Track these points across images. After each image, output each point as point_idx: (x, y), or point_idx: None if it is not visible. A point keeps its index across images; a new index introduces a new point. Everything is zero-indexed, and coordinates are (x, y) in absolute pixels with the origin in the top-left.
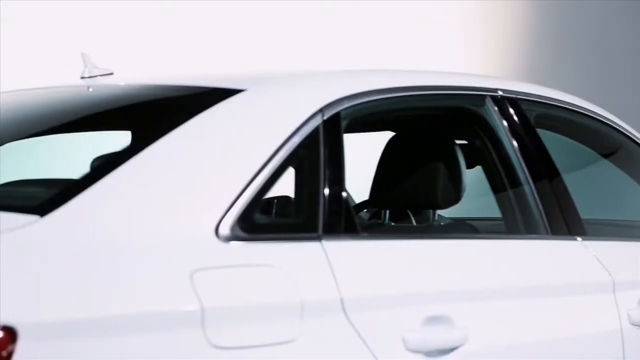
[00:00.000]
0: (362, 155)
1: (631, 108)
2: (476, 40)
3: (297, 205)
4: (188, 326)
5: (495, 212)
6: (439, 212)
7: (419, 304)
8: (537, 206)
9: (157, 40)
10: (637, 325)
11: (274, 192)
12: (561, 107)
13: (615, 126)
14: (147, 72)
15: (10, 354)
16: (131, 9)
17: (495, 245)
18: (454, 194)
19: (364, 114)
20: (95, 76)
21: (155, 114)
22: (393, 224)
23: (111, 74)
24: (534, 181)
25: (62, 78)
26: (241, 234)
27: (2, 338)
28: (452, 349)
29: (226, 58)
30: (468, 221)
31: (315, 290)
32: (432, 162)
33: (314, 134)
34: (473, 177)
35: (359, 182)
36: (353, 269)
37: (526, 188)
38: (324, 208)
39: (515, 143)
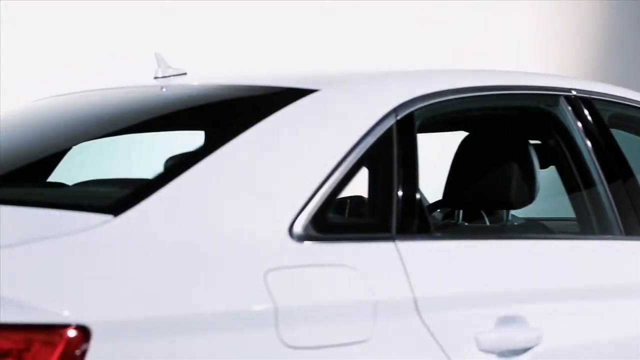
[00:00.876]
0: (436, 155)
1: None
2: (549, 40)
3: (370, 205)
4: (261, 326)
5: (569, 213)
6: (512, 212)
7: (492, 304)
8: (611, 206)
9: (231, 41)
10: None
11: (348, 192)
12: (635, 106)
13: None
14: (220, 72)
15: (84, 353)
16: (205, 10)
17: (569, 245)
18: (528, 194)
19: (438, 113)
20: (169, 76)
21: (229, 114)
22: (466, 224)
23: (184, 74)
24: (608, 181)
25: (136, 78)
26: (315, 233)
27: (75, 337)
28: (525, 350)
29: (300, 58)
30: (541, 221)
31: (389, 290)
32: (506, 162)
33: (387, 134)
34: (546, 177)
35: (432, 182)
36: (426, 269)
37: (600, 188)
38: (397, 208)
39: (589, 143)
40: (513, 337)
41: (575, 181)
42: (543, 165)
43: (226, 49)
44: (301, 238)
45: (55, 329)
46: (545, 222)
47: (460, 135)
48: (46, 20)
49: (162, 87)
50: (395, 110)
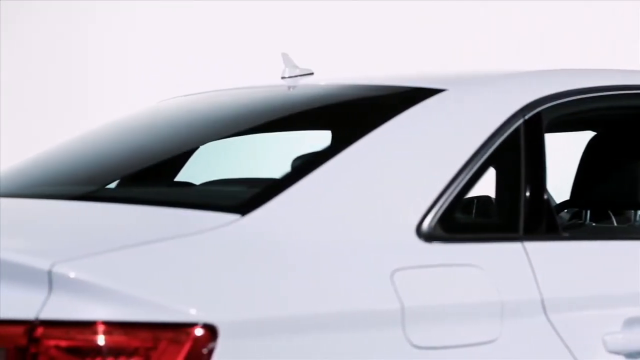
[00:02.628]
0: (563, 154)
1: None
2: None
3: (498, 206)
4: (388, 325)
5: None
6: None
7: (619, 305)
8: None
9: (358, 41)
10: None
11: (475, 192)
12: None
13: None
14: (347, 72)
15: (210, 352)
16: (334, 10)
17: None
18: None
19: (565, 113)
20: (296, 76)
21: (356, 113)
22: (594, 224)
23: (311, 74)
24: None
25: (262, 78)
26: (442, 233)
27: (202, 336)
28: None
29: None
30: None
31: (516, 290)
32: (634, 161)
33: (515, 134)
34: None
35: (559, 182)
36: (554, 269)
37: None
38: (525, 208)
39: None
40: None
41: None
42: None
43: (354, 49)
44: (429, 238)
45: (182, 328)
46: None
47: (588, 135)
48: (169, 21)
49: (289, 87)
50: (522, 110)
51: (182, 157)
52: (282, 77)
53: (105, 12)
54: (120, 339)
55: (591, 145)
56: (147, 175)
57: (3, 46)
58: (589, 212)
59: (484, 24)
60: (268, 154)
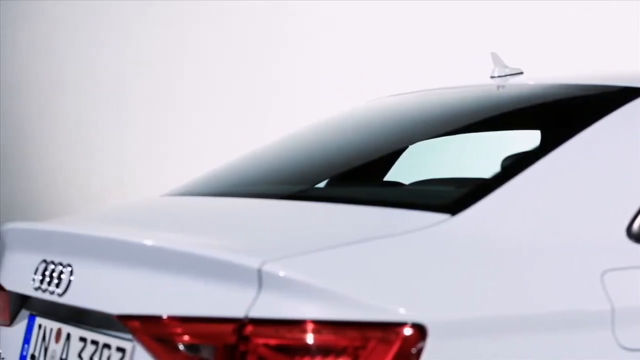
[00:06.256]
0: None
1: None
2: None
3: None
4: (597, 327)
5: None
6: None
7: None
8: None
9: (569, 39)
10: None
11: None
12: None
13: None
14: (557, 71)
15: (419, 352)
16: (544, 9)
17: None
18: None
19: None
20: (505, 76)
21: (565, 113)
22: None
23: (521, 73)
24: None
25: (471, 78)
26: None
27: (411, 335)
28: None
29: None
30: None
31: None
32: None
33: None
34: None
35: None
36: None
37: None
38: None
39: None
40: None
41: None
42: None
43: (565, 48)
44: (639, 239)
45: (391, 327)
46: None
47: None
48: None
49: (498, 87)
50: None
51: (391, 157)
52: (492, 77)
53: (317, 12)
54: (329, 338)
55: None
56: (356, 174)
57: (215, 50)
58: None
59: None
60: (477, 154)
